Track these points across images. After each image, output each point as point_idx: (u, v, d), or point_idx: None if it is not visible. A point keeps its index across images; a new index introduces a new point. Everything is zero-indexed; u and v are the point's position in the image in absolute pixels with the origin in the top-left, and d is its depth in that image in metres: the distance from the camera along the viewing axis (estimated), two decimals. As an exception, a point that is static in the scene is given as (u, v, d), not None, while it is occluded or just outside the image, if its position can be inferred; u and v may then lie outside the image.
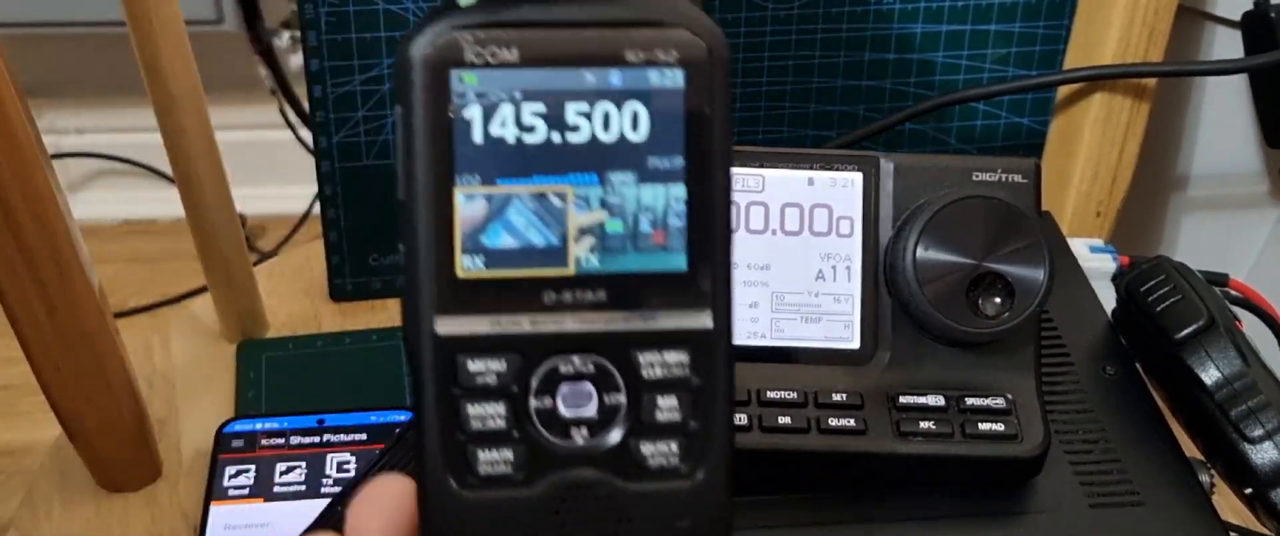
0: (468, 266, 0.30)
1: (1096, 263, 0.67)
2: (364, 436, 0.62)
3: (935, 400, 0.52)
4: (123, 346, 0.59)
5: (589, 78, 0.29)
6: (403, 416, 0.64)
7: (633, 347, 0.30)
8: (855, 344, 0.53)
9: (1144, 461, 0.55)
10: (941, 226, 0.51)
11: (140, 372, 0.62)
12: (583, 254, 0.30)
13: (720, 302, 0.30)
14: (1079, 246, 0.68)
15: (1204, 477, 0.56)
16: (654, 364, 0.30)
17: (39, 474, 0.64)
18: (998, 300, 0.51)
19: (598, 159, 0.30)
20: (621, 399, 0.30)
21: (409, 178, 0.29)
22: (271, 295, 0.75)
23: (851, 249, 0.53)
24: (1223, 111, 0.79)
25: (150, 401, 0.64)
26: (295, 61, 1.26)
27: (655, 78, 0.29)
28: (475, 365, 0.30)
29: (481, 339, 0.30)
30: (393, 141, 0.29)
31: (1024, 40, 0.75)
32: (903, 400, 0.51)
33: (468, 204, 0.29)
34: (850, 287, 0.53)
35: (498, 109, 0.29)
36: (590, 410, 0.30)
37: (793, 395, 0.51)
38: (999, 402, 0.51)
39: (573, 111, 0.29)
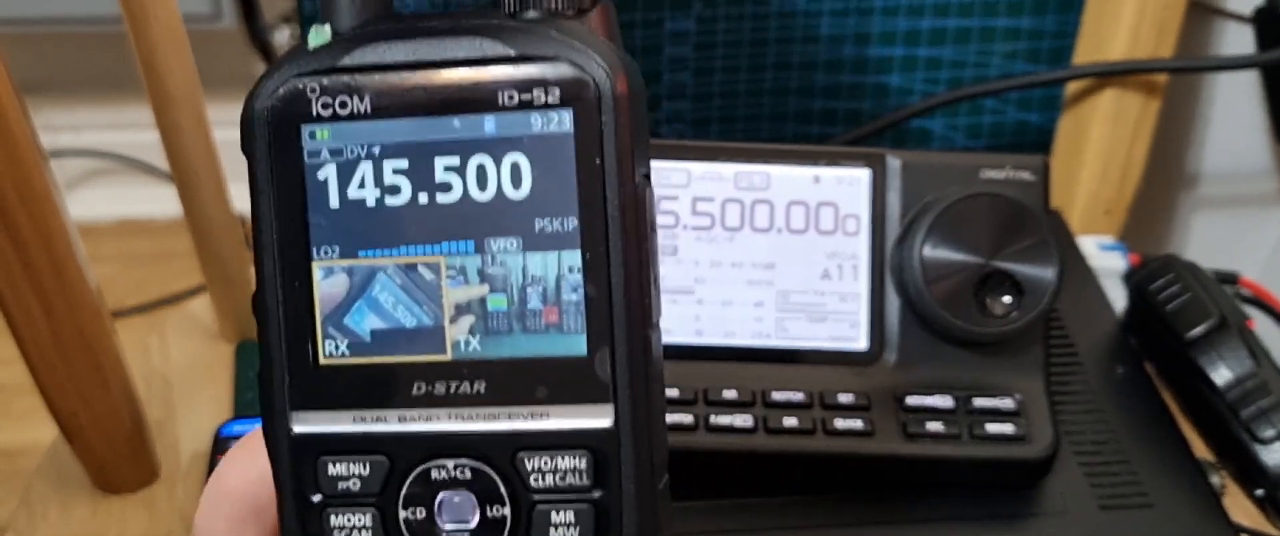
0: (328, 352, 0.26)
1: (1106, 261, 0.67)
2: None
3: (943, 401, 0.51)
4: (120, 346, 0.59)
5: (457, 126, 0.25)
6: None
7: (520, 451, 0.25)
8: (862, 344, 0.52)
9: (1154, 463, 0.55)
10: (949, 224, 0.51)
11: (138, 373, 0.62)
12: (461, 337, 0.25)
13: (629, 395, 0.25)
14: (1088, 244, 0.68)
15: (1214, 479, 0.56)
16: (544, 471, 0.25)
17: (35, 475, 0.63)
18: (1006, 299, 0.51)
19: (474, 223, 0.25)
20: (506, 512, 0.25)
21: (260, 249, 0.26)
22: (271, 294, 0.74)
23: (858, 247, 0.53)
24: (1234, 108, 0.78)
25: (148, 402, 0.63)
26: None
27: (537, 123, 0.25)
28: (337, 468, 0.26)
29: (344, 438, 0.26)
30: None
31: (1032, 35, 0.74)
32: (910, 401, 0.51)
33: (326, 279, 0.26)
34: (856, 287, 0.53)
35: (355, 168, 0.25)
36: (471, 523, 0.26)
37: (799, 396, 0.51)
38: (1007, 403, 0.51)
39: (441, 167, 0.25)
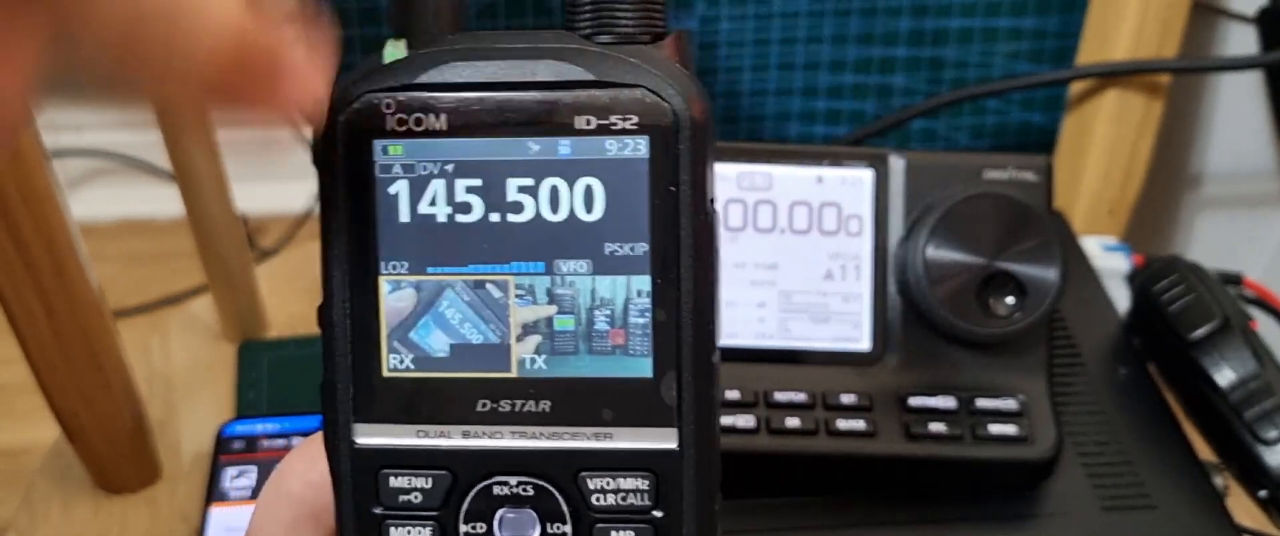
0: (393, 366, 0.26)
1: (1109, 261, 0.67)
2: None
3: (946, 402, 0.51)
4: (122, 346, 0.59)
5: (533, 148, 0.25)
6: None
7: (582, 470, 0.25)
8: (864, 344, 0.52)
9: (1157, 464, 0.55)
10: (952, 225, 0.50)
11: (139, 373, 0.62)
12: (527, 355, 0.26)
13: (693, 419, 0.25)
14: (1091, 245, 0.67)
15: (1218, 480, 0.55)
16: (606, 490, 0.25)
17: (38, 475, 0.63)
18: (1009, 300, 0.50)
19: (545, 244, 0.25)
20: (567, 530, 0.26)
21: (328, 261, 0.26)
22: (272, 295, 0.74)
23: (861, 248, 0.53)
24: (1237, 108, 0.78)
25: (150, 402, 0.63)
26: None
27: (613, 148, 0.25)
28: (398, 481, 0.26)
29: (406, 452, 0.26)
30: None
31: (1036, 36, 0.74)
32: (913, 402, 0.51)
33: (394, 294, 0.26)
34: (859, 287, 0.52)
35: (427, 184, 0.25)
36: None
37: (801, 397, 0.51)
38: (1010, 404, 0.51)
39: (514, 187, 0.25)
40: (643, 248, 0.25)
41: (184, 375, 0.70)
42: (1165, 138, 0.75)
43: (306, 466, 0.27)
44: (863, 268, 0.53)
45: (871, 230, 0.53)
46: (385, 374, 0.26)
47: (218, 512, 0.58)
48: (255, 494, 0.59)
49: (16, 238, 0.51)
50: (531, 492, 0.26)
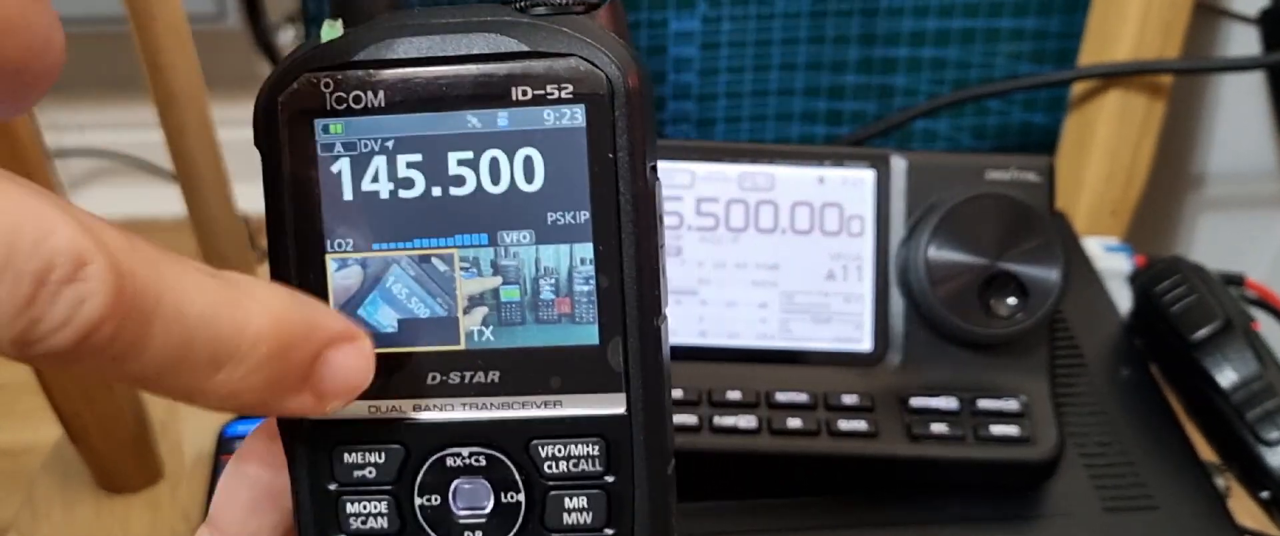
0: None
1: (1111, 262, 0.67)
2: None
3: (947, 402, 0.51)
4: (124, 346, 0.59)
5: (472, 121, 0.25)
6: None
7: (533, 439, 0.26)
8: (866, 345, 0.52)
9: (1158, 465, 0.55)
10: (954, 225, 0.50)
11: (141, 372, 0.62)
12: (474, 327, 0.26)
13: (640, 383, 0.26)
14: (1093, 246, 0.67)
15: (1219, 481, 0.55)
16: (557, 458, 0.26)
17: (40, 474, 0.63)
18: (1011, 301, 0.50)
19: (487, 216, 0.25)
20: (520, 498, 0.26)
21: (274, 241, 0.26)
22: (275, 294, 0.74)
23: (862, 248, 0.53)
24: (1239, 109, 0.78)
25: (151, 402, 0.63)
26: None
27: (550, 117, 0.25)
28: (352, 457, 0.26)
29: (359, 427, 0.26)
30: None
31: (1038, 36, 0.74)
32: (914, 402, 0.51)
33: (340, 271, 0.26)
34: (861, 287, 0.52)
35: (369, 162, 0.25)
36: (486, 509, 0.26)
37: (803, 397, 0.51)
38: (1012, 405, 0.51)
39: (455, 161, 0.25)
40: (584, 216, 0.25)
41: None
42: (1167, 138, 0.75)
43: (263, 448, 0.27)
44: (864, 268, 0.53)
45: (873, 230, 0.53)
46: None
47: (219, 512, 0.58)
48: (257, 494, 0.59)
49: (19, 237, 0.51)
50: (484, 463, 0.26)
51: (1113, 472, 0.54)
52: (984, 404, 0.51)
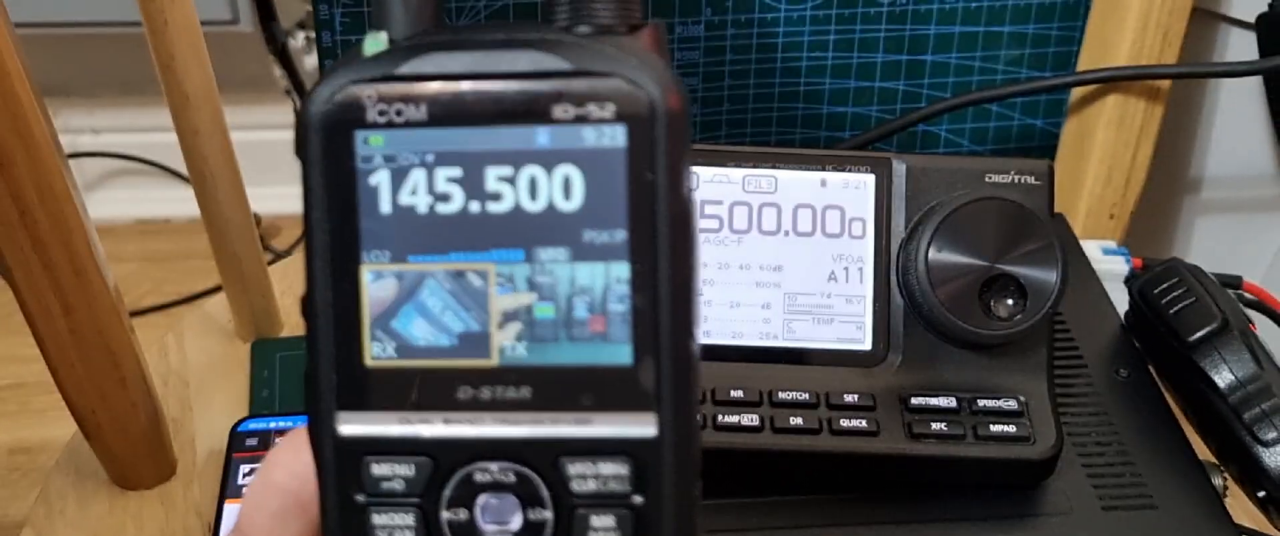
0: (376, 355, 0.26)
1: (1110, 265, 0.67)
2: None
3: (947, 402, 0.51)
4: (138, 345, 0.59)
5: (512, 137, 0.25)
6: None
7: (562, 456, 0.26)
8: (867, 345, 0.53)
9: (1157, 464, 0.55)
10: (954, 228, 0.51)
11: (155, 371, 0.62)
12: (507, 343, 0.26)
13: (672, 404, 0.25)
14: (1092, 248, 0.68)
15: (1217, 480, 0.56)
16: (586, 476, 0.26)
17: (54, 471, 0.64)
18: (1010, 302, 0.51)
19: (524, 232, 0.25)
20: (547, 515, 0.26)
21: (310, 252, 0.26)
22: (285, 294, 0.75)
23: (864, 250, 0.53)
24: (1237, 114, 0.78)
25: (165, 400, 0.64)
26: (310, 62, 1.26)
27: (590, 137, 0.25)
28: (381, 469, 0.26)
29: (388, 440, 0.26)
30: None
31: (1037, 41, 0.75)
32: (915, 401, 0.51)
33: (375, 283, 0.26)
34: (862, 289, 0.53)
35: (408, 175, 0.25)
36: (513, 526, 0.26)
37: (804, 396, 0.51)
38: (1011, 404, 0.51)
39: (494, 177, 0.25)
40: (621, 235, 0.25)
41: (199, 373, 0.70)
42: (1165, 142, 0.75)
43: (292, 457, 0.27)
44: (866, 269, 0.53)
45: (874, 233, 0.53)
46: (368, 363, 0.26)
47: (232, 509, 0.59)
48: (268, 490, 0.60)
49: (35, 238, 0.52)
50: (513, 479, 0.26)
51: (1111, 471, 0.54)
52: (983, 403, 0.51)
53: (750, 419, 0.50)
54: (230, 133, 0.65)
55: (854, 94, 0.76)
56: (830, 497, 0.52)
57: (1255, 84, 0.76)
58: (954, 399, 0.51)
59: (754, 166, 0.53)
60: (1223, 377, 0.58)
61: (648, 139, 0.25)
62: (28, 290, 0.54)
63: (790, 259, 0.53)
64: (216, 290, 0.75)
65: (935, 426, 0.51)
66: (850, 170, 0.53)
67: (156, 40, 0.59)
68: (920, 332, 0.52)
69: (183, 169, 0.65)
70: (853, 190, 0.53)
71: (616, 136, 0.25)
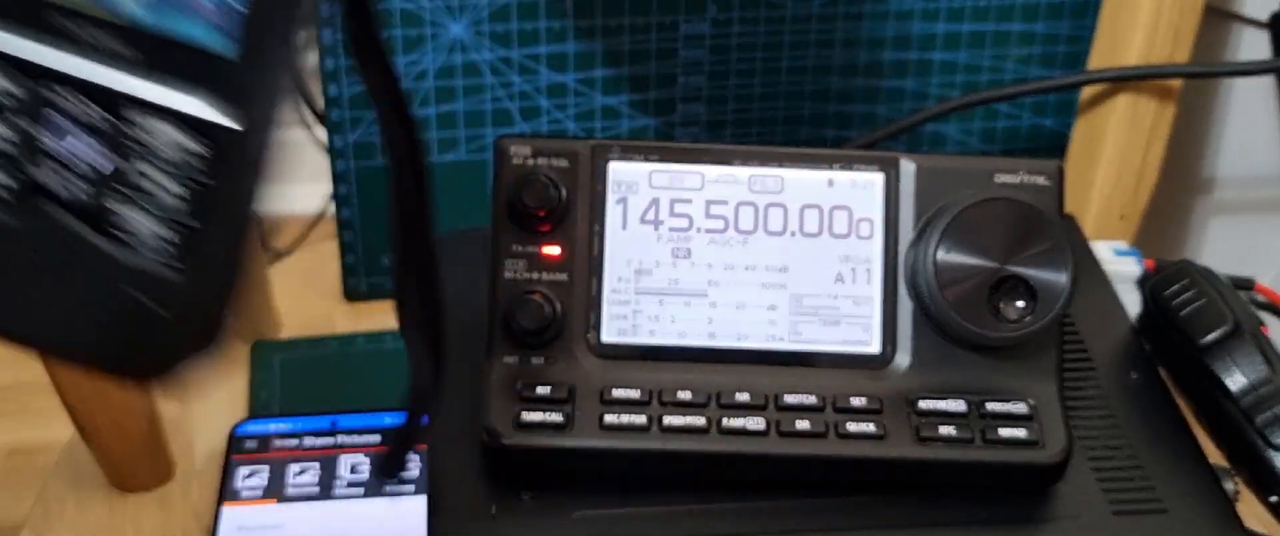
0: None
1: (1120, 266, 0.67)
2: (377, 438, 0.61)
3: (956, 405, 0.51)
4: (136, 346, 0.59)
5: None
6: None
7: (127, 106, 0.27)
8: (875, 348, 0.52)
9: (1167, 468, 0.55)
10: (963, 229, 0.51)
11: (154, 372, 0.62)
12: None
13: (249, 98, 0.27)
14: (1103, 249, 0.67)
15: (1228, 485, 0.55)
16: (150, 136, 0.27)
17: (52, 473, 0.64)
18: (1020, 304, 0.50)
19: None
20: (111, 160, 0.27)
21: None
22: (285, 295, 0.75)
23: (871, 251, 0.53)
24: (1249, 113, 0.78)
25: (163, 402, 0.63)
26: (310, 60, 1.26)
27: None
28: None
29: None
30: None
31: (1047, 40, 0.74)
32: (923, 405, 0.51)
33: None
34: (870, 290, 0.53)
35: None
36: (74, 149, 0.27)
37: (811, 399, 0.51)
38: (1020, 408, 0.51)
39: None
40: None
41: (197, 374, 0.70)
42: (1177, 142, 0.75)
43: None
44: (873, 271, 0.53)
45: (882, 233, 0.53)
46: None
47: (230, 511, 0.58)
48: (267, 493, 0.59)
49: (33, 237, 0.52)
50: (93, 116, 0.27)
51: (1121, 476, 0.54)
52: (992, 406, 0.51)
53: (756, 423, 0.50)
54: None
55: (862, 93, 0.75)
56: (837, 501, 0.52)
57: (1268, 83, 0.76)
58: (963, 402, 0.51)
59: (760, 166, 0.53)
60: (1234, 381, 0.58)
61: None
62: (24, 290, 0.53)
63: (797, 260, 0.53)
64: (217, 290, 0.74)
65: (944, 430, 0.50)
66: (858, 170, 0.53)
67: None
68: (928, 335, 0.52)
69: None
70: (860, 190, 0.53)
71: None
